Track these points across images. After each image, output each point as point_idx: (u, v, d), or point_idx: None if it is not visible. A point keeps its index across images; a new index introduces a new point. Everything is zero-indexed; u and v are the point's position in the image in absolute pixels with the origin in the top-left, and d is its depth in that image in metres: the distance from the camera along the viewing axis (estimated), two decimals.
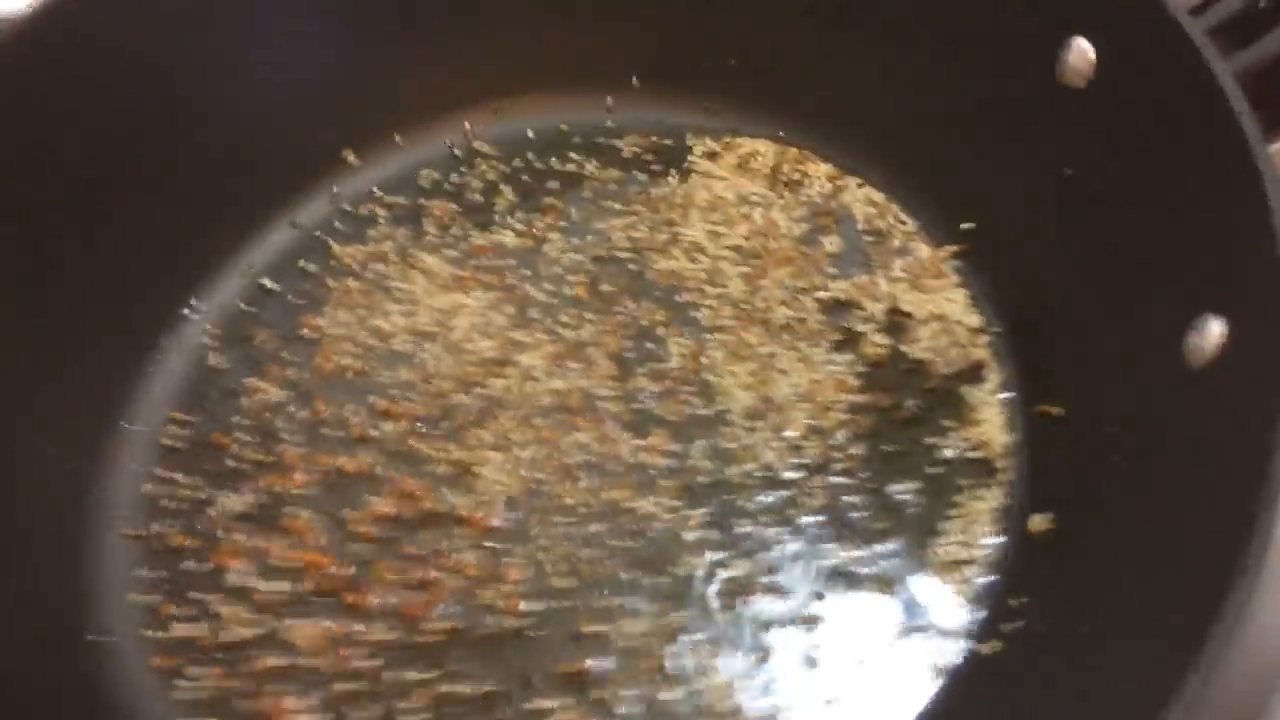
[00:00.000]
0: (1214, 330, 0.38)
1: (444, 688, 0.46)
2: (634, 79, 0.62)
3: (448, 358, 0.56)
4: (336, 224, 0.61)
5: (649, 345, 0.54)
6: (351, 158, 0.63)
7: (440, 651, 0.47)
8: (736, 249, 0.56)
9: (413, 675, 0.47)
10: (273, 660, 0.48)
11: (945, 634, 0.44)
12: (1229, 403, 0.37)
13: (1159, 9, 0.42)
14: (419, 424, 0.54)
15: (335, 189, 0.62)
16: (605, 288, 0.57)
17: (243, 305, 0.59)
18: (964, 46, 0.52)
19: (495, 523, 0.50)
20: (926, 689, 0.43)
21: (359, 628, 0.48)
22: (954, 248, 0.54)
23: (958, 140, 0.53)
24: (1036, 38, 0.48)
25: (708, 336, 0.54)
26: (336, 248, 0.61)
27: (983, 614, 0.44)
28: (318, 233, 0.61)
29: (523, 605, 0.48)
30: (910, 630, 0.45)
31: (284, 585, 0.50)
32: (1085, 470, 0.44)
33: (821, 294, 0.54)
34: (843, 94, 0.58)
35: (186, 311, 0.59)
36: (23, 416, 0.52)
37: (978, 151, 0.53)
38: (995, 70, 0.52)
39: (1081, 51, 0.46)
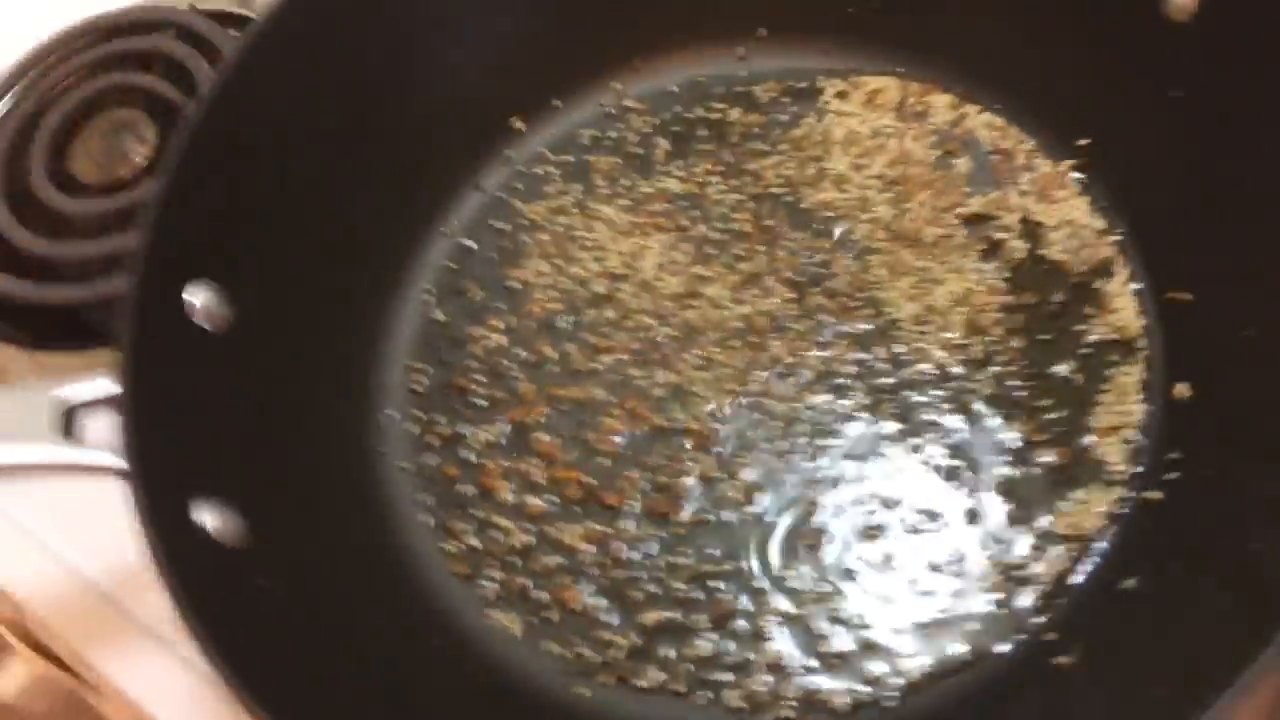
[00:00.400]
0: None
1: (703, 566, 0.57)
2: (761, 30, 0.70)
3: (643, 295, 0.65)
4: (516, 184, 0.70)
5: (817, 269, 0.64)
6: (519, 124, 0.71)
7: (692, 539, 0.58)
8: (879, 177, 0.66)
9: (673, 559, 0.57)
10: (554, 559, 0.58)
11: (1112, 484, 0.55)
12: None
13: None
14: (631, 354, 0.63)
15: (509, 153, 0.70)
16: (768, 222, 0.66)
17: (450, 264, 0.68)
18: None
19: (716, 430, 0.60)
20: (1103, 533, 0.54)
21: (621, 525, 0.59)
22: (1072, 162, 0.63)
23: (1069, 68, 0.62)
24: None
25: (869, 257, 0.63)
26: (520, 205, 0.69)
27: (1141, 468, 0.55)
28: (500, 194, 0.70)
29: (755, 497, 0.58)
30: (1081, 483, 0.56)
31: (548, 497, 0.60)
32: (1216, 345, 0.55)
33: (961, 210, 0.64)
34: (955, 28, 0.66)
35: (402, 275, 0.67)
36: (302, 378, 0.61)
37: (1089, 77, 0.61)
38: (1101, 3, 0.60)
39: None
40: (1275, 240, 0.52)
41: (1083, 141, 0.63)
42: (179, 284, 0.55)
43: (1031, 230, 0.62)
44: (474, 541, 0.60)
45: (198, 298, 0.56)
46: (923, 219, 0.64)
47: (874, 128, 0.67)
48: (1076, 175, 0.63)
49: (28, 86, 0.81)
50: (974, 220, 0.63)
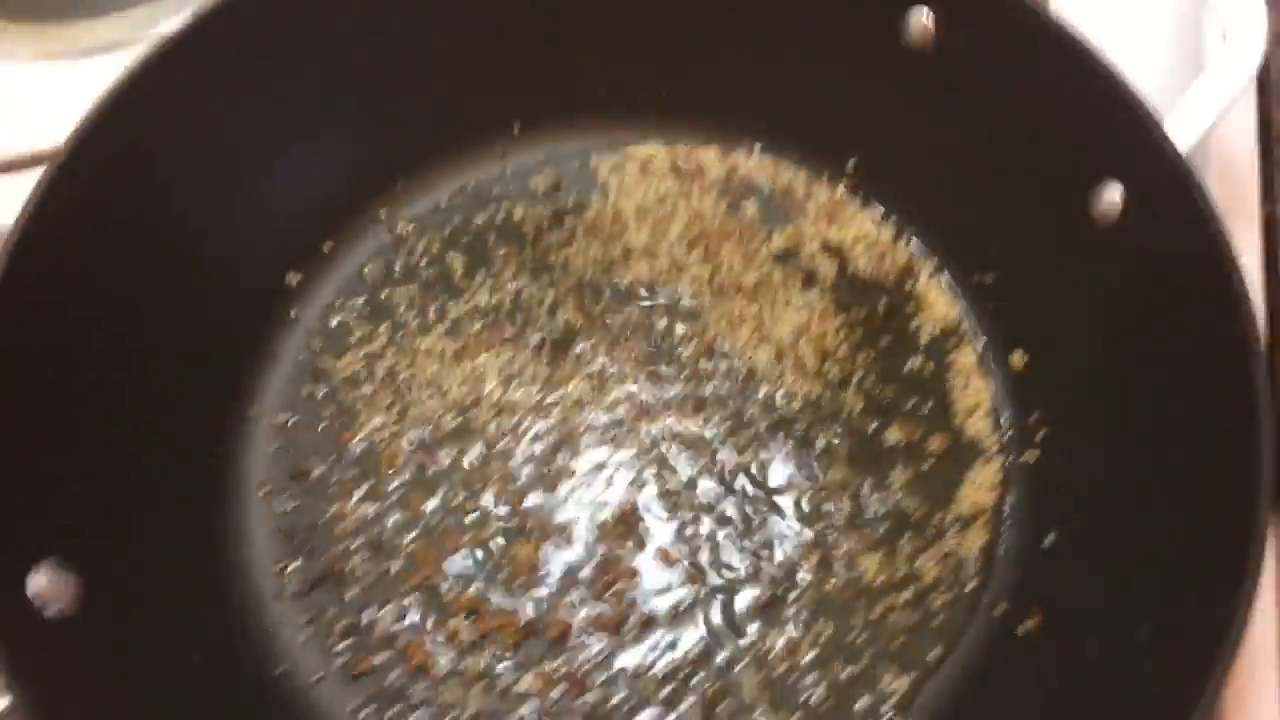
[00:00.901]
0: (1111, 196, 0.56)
1: (672, 659, 0.56)
2: (515, 125, 0.69)
3: (501, 417, 0.62)
4: (314, 343, 0.64)
5: (660, 344, 0.64)
6: (294, 279, 0.65)
7: (649, 636, 0.57)
8: (682, 240, 0.67)
9: (641, 663, 0.56)
10: (523, 711, 0.55)
11: (990, 457, 0.61)
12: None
13: None
14: (513, 480, 0.60)
15: (294, 313, 0.65)
16: (594, 309, 0.65)
17: (275, 447, 0.61)
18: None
19: (640, 524, 0.59)
20: (1001, 501, 0.60)
21: (573, 653, 0.56)
22: (846, 181, 0.68)
23: (822, 98, 0.66)
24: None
25: (703, 317, 0.65)
26: (329, 363, 0.64)
27: (1010, 435, 0.61)
28: (303, 356, 0.64)
29: (706, 576, 0.58)
30: (967, 464, 0.61)
31: (490, 652, 0.56)
32: (1032, 313, 0.62)
33: (766, 251, 0.67)
34: (701, 85, 0.69)
35: (229, 475, 0.60)
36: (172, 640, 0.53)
37: (842, 102, 0.66)
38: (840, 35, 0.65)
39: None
40: (1042, 208, 0.59)
41: (850, 161, 0.68)
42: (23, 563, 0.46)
43: (834, 251, 0.67)
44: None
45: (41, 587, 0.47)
46: (737, 268, 0.66)
47: (658, 194, 0.68)
48: (853, 194, 0.68)
49: None
50: (782, 256, 0.67)
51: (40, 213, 0.51)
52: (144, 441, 0.56)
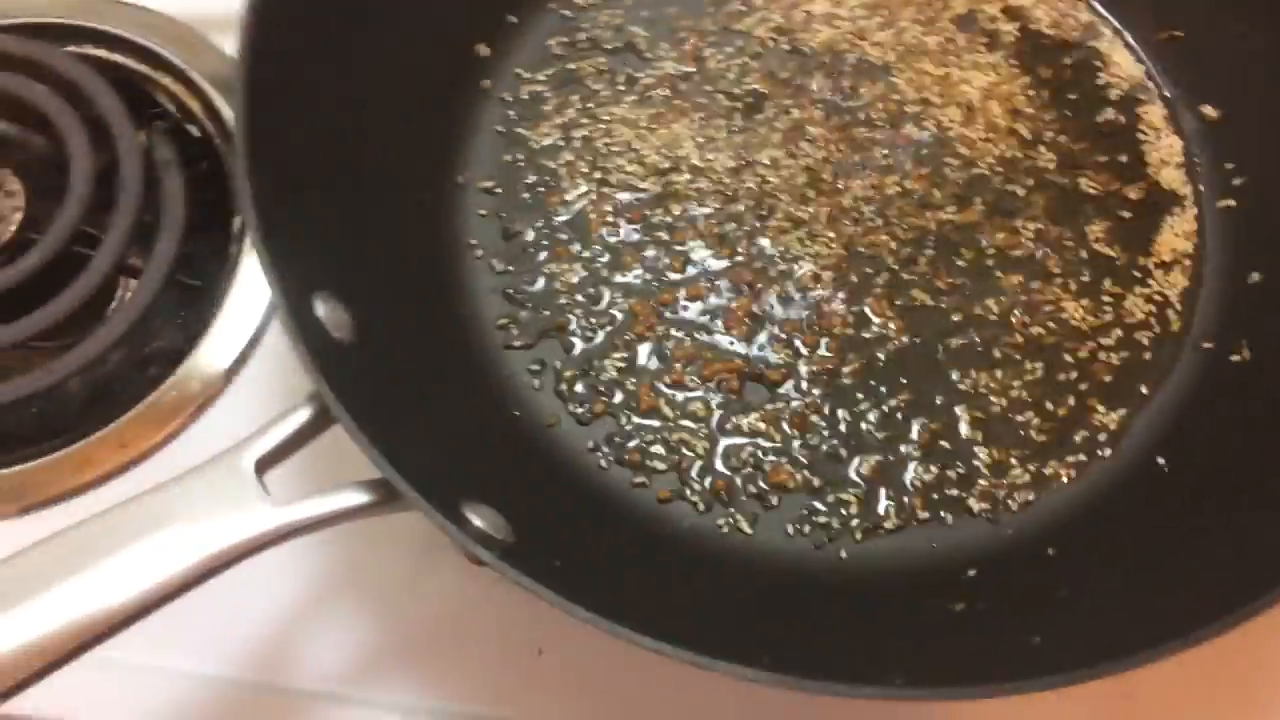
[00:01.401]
0: None
1: (888, 402, 0.58)
2: None
3: (699, 179, 0.63)
4: (509, 113, 0.65)
5: (849, 105, 0.65)
6: (484, 49, 0.66)
7: (865, 384, 0.59)
8: (862, 6, 0.67)
9: (856, 408, 0.58)
10: (745, 450, 0.58)
11: (1185, 205, 0.62)
12: None
13: None
14: (717, 240, 0.62)
15: (485, 83, 0.65)
16: (781, 74, 0.66)
17: (483, 212, 0.63)
18: None
19: (838, 275, 0.61)
20: (1200, 247, 0.62)
21: (790, 395, 0.59)
22: None
23: None
24: None
25: (890, 79, 0.66)
26: (526, 132, 0.65)
27: (1203, 186, 0.63)
28: (499, 128, 0.65)
29: (908, 323, 0.60)
30: (1162, 211, 0.62)
31: (710, 396, 0.59)
32: (1222, 68, 0.62)
33: (947, 14, 0.67)
34: None
35: (440, 237, 0.62)
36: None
37: None
38: None
39: None
40: None
41: None
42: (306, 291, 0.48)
43: (1015, 14, 0.67)
44: (658, 464, 0.57)
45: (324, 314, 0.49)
46: (919, 32, 0.67)
47: None
48: None
49: None
50: (963, 20, 0.67)
51: None
52: (372, 202, 0.57)
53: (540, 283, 0.61)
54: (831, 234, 0.62)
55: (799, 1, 0.68)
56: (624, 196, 0.63)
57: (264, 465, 0.46)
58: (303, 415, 0.47)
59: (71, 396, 0.62)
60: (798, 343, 0.60)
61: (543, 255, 0.62)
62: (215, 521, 0.44)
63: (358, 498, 0.46)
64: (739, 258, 0.61)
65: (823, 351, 0.59)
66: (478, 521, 0.46)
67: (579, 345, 0.60)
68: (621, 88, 0.66)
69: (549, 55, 0.67)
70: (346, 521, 0.46)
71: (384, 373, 0.51)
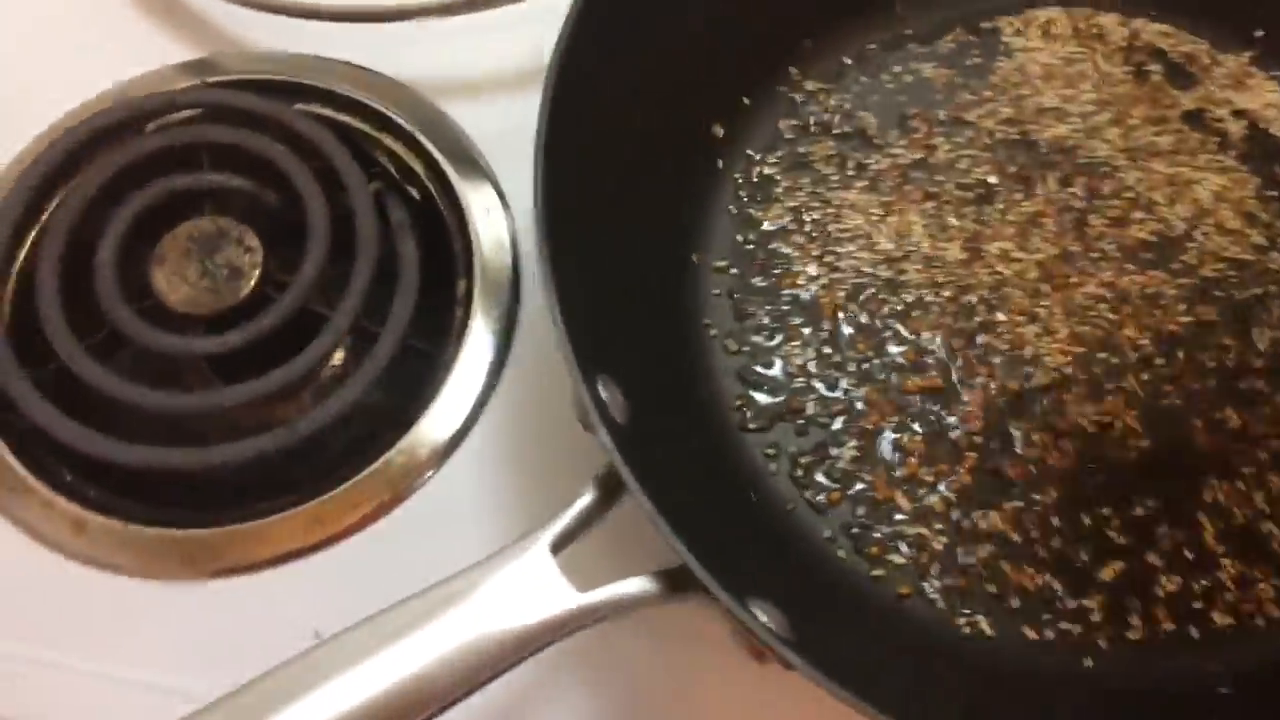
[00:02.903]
0: None
1: (1131, 510, 0.58)
2: None
3: (931, 268, 0.63)
4: (742, 194, 0.66)
5: (1082, 200, 0.65)
6: (719, 130, 0.66)
7: (1103, 484, 0.58)
8: (1092, 102, 0.68)
9: (1098, 510, 0.58)
10: (985, 550, 0.57)
11: None
12: None
13: None
14: (952, 330, 0.62)
15: (720, 163, 0.66)
16: (1011, 167, 0.66)
17: (718, 292, 0.63)
18: None
19: (1071, 374, 0.61)
20: None
21: (1030, 495, 0.58)
22: (1251, 54, 0.68)
23: None
24: None
25: (1120, 176, 0.66)
26: (757, 214, 0.65)
27: None
28: (732, 209, 0.65)
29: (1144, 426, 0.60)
30: None
31: (945, 491, 0.58)
32: None
33: (1176, 111, 0.67)
34: None
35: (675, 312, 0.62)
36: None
37: None
38: None
39: None
40: None
41: (1258, 34, 0.68)
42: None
43: (1244, 115, 0.67)
44: (898, 558, 0.57)
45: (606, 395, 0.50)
46: (1150, 130, 0.67)
47: (1064, 57, 0.69)
48: (1258, 65, 0.68)
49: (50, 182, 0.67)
50: (1193, 119, 0.67)
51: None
52: (624, 281, 0.58)
53: (776, 365, 0.61)
54: (1066, 330, 0.62)
55: (1029, 93, 0.68)
56: (856, 281, 0.63)
57: (557, 549, 0.46)
58: (588, 498, 0.48)
59: (300, 455, 0.63)
60: (1036, 439, 0.59)
61: (777, 338, 0.62)
62: (524, 606, 0.44)
63: (650, 585, 0.46)
64: (974, 350, 0.61)
65: (1062, 450, 0.59)
66: (763, 616, 0.46)
67: (814, 431, 0.60)
68: (852, 173, 0.66)
69: (780, 138, 0.67)
70: (638, 610, 0.46)
71: (652, 456, 0.51)
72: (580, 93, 0.54)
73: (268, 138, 0.67)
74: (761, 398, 0.61)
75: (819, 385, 0.61)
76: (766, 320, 0.62)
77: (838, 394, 0.61)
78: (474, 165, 0.69)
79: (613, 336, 0.54)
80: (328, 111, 0.72)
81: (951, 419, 0.60)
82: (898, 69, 0.69)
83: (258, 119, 0.69)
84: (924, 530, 0.58)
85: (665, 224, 0.63)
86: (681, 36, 0.63)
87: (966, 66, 0.69)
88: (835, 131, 0.67)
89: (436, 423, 0.63)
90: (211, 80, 0.72)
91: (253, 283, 0.64)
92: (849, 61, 0.69)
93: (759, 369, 0.61)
